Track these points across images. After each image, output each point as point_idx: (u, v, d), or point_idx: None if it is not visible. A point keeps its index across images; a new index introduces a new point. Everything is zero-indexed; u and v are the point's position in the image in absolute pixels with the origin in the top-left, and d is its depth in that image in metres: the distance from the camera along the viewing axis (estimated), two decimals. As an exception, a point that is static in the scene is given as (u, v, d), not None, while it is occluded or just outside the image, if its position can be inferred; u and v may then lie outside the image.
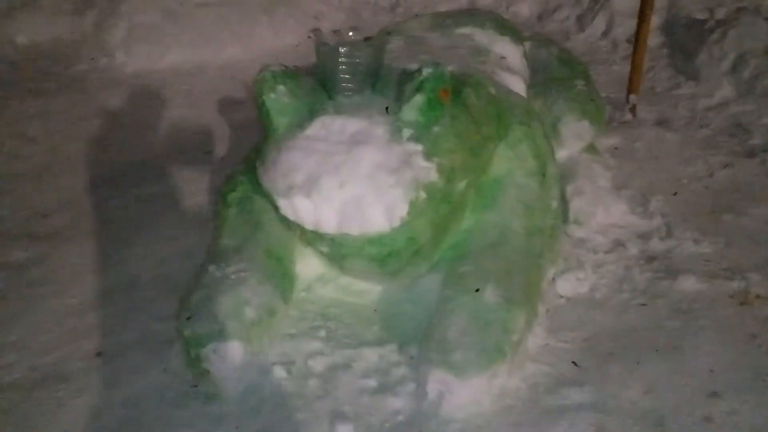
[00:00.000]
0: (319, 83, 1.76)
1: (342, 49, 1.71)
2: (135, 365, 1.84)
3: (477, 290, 1.72)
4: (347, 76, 1.72)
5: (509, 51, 2.46)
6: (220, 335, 1.67)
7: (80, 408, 1.71)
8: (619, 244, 2.30)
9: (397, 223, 1.57)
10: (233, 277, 1.79)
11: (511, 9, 5.07)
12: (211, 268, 1.83)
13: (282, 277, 1.88)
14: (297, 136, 1.66)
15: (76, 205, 2.80)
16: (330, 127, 1.66)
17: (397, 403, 1.70)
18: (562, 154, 2.55)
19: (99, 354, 1.89)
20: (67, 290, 2.21)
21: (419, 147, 1.62)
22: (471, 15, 2.60)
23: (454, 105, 1.73)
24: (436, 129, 1.67)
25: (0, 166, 3.24)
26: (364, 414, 1.66)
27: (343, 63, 1.71)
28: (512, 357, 1.67)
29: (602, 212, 2.41)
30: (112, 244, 2.47)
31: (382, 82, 1.80)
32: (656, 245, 2.30)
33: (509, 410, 1.65)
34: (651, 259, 2.24)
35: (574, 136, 2.49)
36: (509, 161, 1.98)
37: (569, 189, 2.40)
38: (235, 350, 1.67)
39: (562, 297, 2.08)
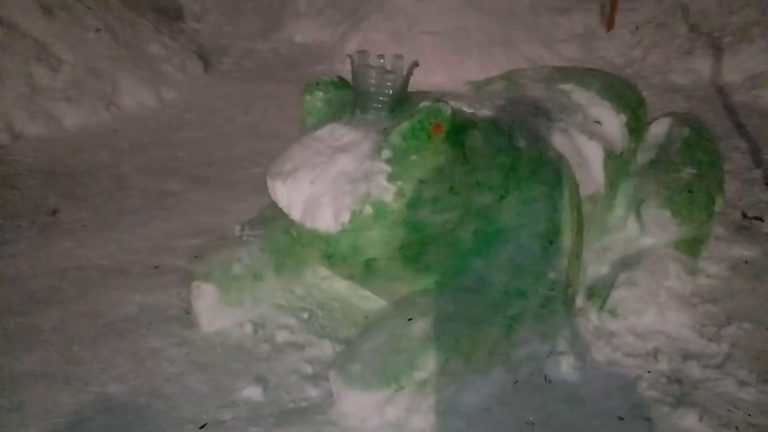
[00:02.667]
0: (352, 98, 1.97)
1: (371, 72, 1.90)
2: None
3: (410, 319, 1.76)
4: (370, 97, 1.90)
5: (606, 116, 2.31)
6: (204, 277, 2.02)
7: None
8: (650, 354, 2.00)
9: (338, 227, 1.71)
10: (244, 238, 2.13)
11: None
12: (238, 227, 2.20)
13: (286, 254, 2.14)
14: (306, 135, 1.92)
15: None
16: (333, 133, 1.88)
17: (314, 392, 1.84)
18: (642, 242, 2.30)
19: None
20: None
21: (387, 168, 1.73)
22: (588, 74, 2.48)
23: (446, 142, 1.78)
24: (413, 157, 1.75)
25: (217, 127, 4.15)
26: (280, 389, 1.85)
27: (369, 84, 1.91)
28: (414, 394, 1.67)
29: (653, 314, 2.11)
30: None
31: (402, 108, 1.93)
32: (693, 370, 1.94)
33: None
34: (675, 381, 1.91)
35: (654, 225, 2.22)
36: (519, 217, 1.93)
37: (621, 276, 2.16)
38: (209, 292, 2.01)
39: (546, 377, 1.93)
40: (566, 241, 1.92)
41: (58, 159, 3.59)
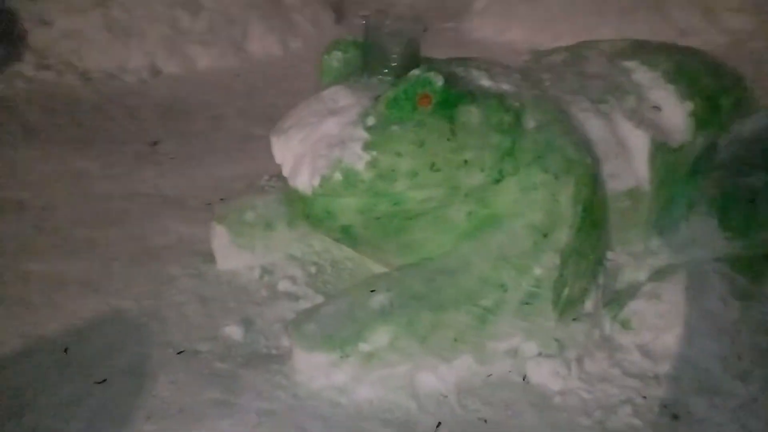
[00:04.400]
0: (362, 60, 1.93)
1: (380, 35, 1.84)
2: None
3: (373, 290, 1.74)
4: (377, 60, 1.85)
5: (667, 102, 1.98)
6: (219, 219, 2.18)
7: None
8: (655, 378, 1.77)
9: (309, 190, 1.72)
10: (266, 188, 2.24)
11: None
12: (266, 177, 2.31)
13: (303, 209, 2.21)
14: (314, 95, 1.94)
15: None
16: (335, 95, 1.86)
17: (287, 342, 1.92)
18: (693, 252, 1.99)
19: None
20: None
21: (366, 136, 1.69)
22: (665, 51, 2.13)
23: (433, 115, 1.69)
24: (394, 128, 1.69)
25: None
26: (260, 333, 1.96)
27: (376, 47, 1.85)
28: (360, 364, 1.67)
29: (676, 335, 1.84)
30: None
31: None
32: (699, 407, 1.69)
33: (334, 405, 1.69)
34: (670, 415, 1.67)
35: (699, 234, 1.89)
36: (516, 204, 1.78)
37: (646, 286, 1.90)
38: (222, 234, 2.17)
39: (524, 378, 1.80)
40: (563, 237, 1.74)
41: (181, 96, 4.01)
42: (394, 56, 1.86)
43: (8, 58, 4.35)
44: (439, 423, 1.67)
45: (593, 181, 1.80)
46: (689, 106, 2.03)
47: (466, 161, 1.74)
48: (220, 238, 2.18)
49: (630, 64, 2.10)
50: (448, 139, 1.72)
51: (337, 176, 1.69)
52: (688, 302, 1.86)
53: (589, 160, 1.79)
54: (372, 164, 1.69)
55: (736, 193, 1.90)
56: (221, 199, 2.37)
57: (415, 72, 1.70)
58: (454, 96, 1.73)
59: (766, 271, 1.94)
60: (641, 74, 2.07)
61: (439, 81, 1.69)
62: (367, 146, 1.70)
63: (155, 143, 3.30)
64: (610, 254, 2.06)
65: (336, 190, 1.71)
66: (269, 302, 2.09)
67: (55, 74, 4.17)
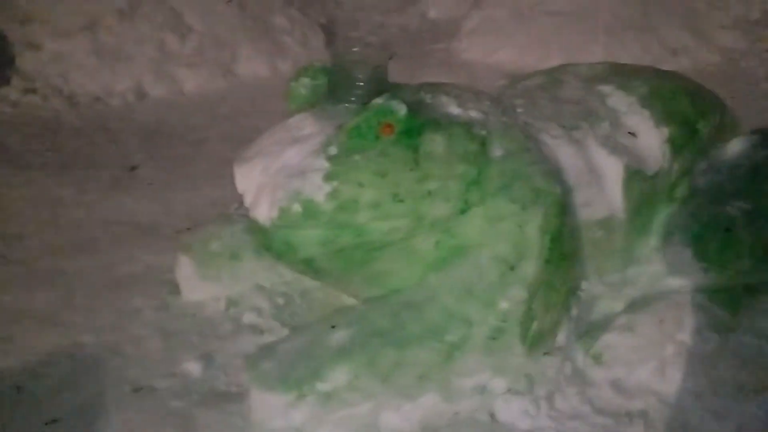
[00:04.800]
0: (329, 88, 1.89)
1: (346, 65, 1.80)
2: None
3: (333, 326, 1.67)
4: (343, 88, 1.81)
5: (642, 128, 1.92)
6: (184, 249, 2.12)
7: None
8: (628, 416, 1.69)
9: (268, 221, 1.66)
10: (235, 217, 2.19)
11: None
12: (235, 205, 2.26)
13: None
14: (280, 122, 1.89)
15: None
16: (300, 123, 1.82)
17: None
18: (670, 282, 1.92)
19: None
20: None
21: (327, 166, 1.64)
22: (641, 75, 2.08)
23: (397, 144, 1.63)
24: (356, 158, 1.63)
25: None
26: (221, 369, 1.89)
27: (344, 76, 1.81)
28: (319, 404, 1.60)
29: (650, 370, 1.77)
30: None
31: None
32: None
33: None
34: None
35: (671, 267, 1.82)
36: (483, 235, 1.71)
37: (619, 318, 1.82)
38: (185, 264, 2.12)
39: (492, 415, 1.72)
40: (530, 269, 1.67)
41: (165, 120, 3.98)
42: (360, 83, 1.81)
43: (-4, 82, 4.36)
44: (401, 466, 1.60)
45: (562, 211, 1.73)
46: (665, 131, 1.97)
47: (430, 191, 1.68)
48: (184, 268, 2.13)
49: (606, 88, 2.05)
50: (412, 169, 1.66)
51: (296, 208, 1.64)
52: (663, 335, 1.78)
53: (557, 189, 1.73)
54: (333, 195, 1.63)
55: (712, 222, 1.83)
56: (188, 228, 2.32)
57: (378, 101, 1.65)
58: (418, 125, 1.68)
59: (744, 302, 1.87)
60: (617, 99, 2.01)
61: (401, 110, 1.64)
62: (328, 177, 1.64)
63: (133, 168, 3.26)
64: (584, 284, 1.98)
65: (295, 222, 1.65)
66: (232, 336, 2.02)
67: (40, 98, 4.14)
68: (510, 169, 1.72)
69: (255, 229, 1.79)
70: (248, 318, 2.09)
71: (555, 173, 1.76)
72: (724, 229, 1.81)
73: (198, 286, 2.14)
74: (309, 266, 1.78)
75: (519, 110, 1.97)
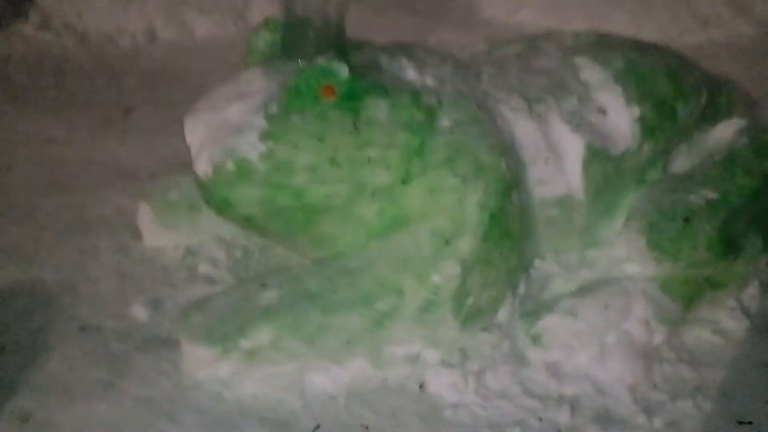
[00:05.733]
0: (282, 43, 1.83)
1: (299, 18, 1.74)
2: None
3: (263, 285, 1.68)
4: (296, 43, 1.75)
5: (612, 106, 1.82)
6: (144, 196, 2.15)
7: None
8: (558, 400, 1.66)
9: (203, 177, 1.65)
10: (197, 169, 2.20)
11: None
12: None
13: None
14: (231, 76, 1.86)
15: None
16: (250, 78, 1.79)
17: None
18: (627, 268, 1.85)
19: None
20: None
21: (264, 125, 1.61)
22: (620, 48, 1.94)
23: (337, 107, 1.59)
24: (294, 118, 1.60)
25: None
26: (166, 316, 1.91)
27: (296, 30, 1.75)
28: (243, 360, 1.62)
29: (590, 356, 1.72)
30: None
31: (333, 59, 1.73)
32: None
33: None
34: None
35: (629, 252, 1.74)
36: (424, 207, 1.68)
37: (564, 301, 1.77)
38: (145, 212, 2.15)
39: (421, 385, 1.72)
40: (465, 245, 1.63)
41: (171, 63, 3.98)
42: (311, 39, 1.76)
43: (14, 15, 4.41)
44: (318, 425, 1.62)
45: (506, 187, 1.67)
46: (636, 110, 1.86)
47: (369, 158, 1.64)
48: (144, 216, 2.16)
49: (581, 60, 1.93)
50: (351, 134, 1.62)
51: (230, 165, 1.62)
52: (607, 322, 1.73)
53: (502, 164, 1.66)
54: (267, 155, 1.62)
55: (670, 210, 1.73)
56: (154, 175, 2.34)
57: (320, 61, 1.60)
58: (361, 88, 1.62)
59: (699, 295, 1.79)
60: (590, 73, 1.90)
61: (343, 71, 1.59)
62: (264, 136, 1.62)
63: (128, 110, 3.29)
64: (538, 262, 1.94)
65: (229, 180, 1.64)
66: (185, 285, 2.05)
67: (53, 35, 4.19)
68: (455, 141, 1.66)
69: (197, 183, 1.79)
70: (203, 268, 2.12)
71: (503, 148, 1.69)
72: (683, 219, 1.71)
73: (158, 234, 2.17)
74: (251, 224, 1.78)
75: (484, 79, 1.88)
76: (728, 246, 1.75)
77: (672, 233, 1.72)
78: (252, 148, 1.61)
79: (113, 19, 4.36)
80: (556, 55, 2.01)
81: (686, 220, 1.71)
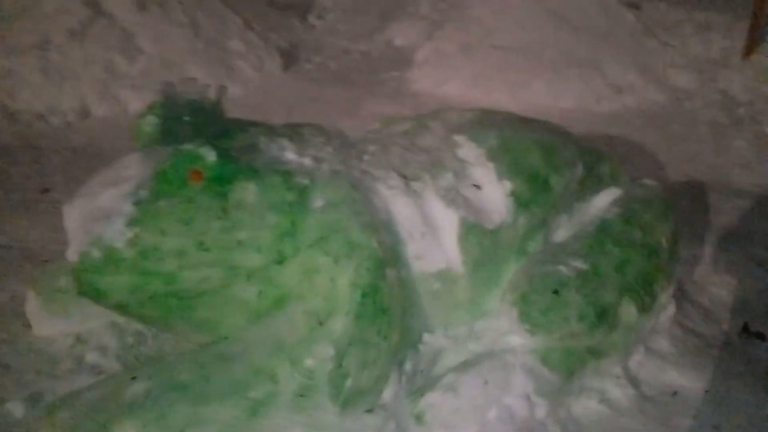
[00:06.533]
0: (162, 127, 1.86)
1: (176, 101, 1.78)
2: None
3: (133, 378, 1.64)
4: (174, 127, 1.78)
5: (487, 181, 1.87)
6: (31, 283, 2.10)
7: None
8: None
9: (73, 265, 1.63)
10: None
11: None
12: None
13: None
14: (116, 161, 1.87)
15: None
16: (128, 163, 1.80)
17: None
18: (510, 339, 1.85)
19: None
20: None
21: (132, 211, 1.61)
22: (495, 124, 2.03)
23: (204, 191, 1.60)
24: (161, 204, 1.61)
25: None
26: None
27: (174, 114, 1.79)
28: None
29: (472, 434, 1.69)
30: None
31: (212, 143, 1.75)
32: None
33: None
34: None
35: (507, 327, 1.76)
36: (300, 288, 1.67)
37: (446, 377, 1.76)
38: (31, 300, 2.09)
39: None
40: (338, 325, 1.62)
41: (100, 140, 3.99)
42: (189, 123, 1.79)
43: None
44: None
45: (378, 264, 1.68)
46: (508, 185, 1.92)
47: (239, 241, 1.64)
48: (31, 304, 2.10)
49: (459, 138, 2.01)
50: (219, 218, 1.63)
51: (96, 253, 1.61)
52: (487, 397, 1.71)
53: (374, 242, 1.68)
54: (134, 242, 1.61)
55: (540, 282, 1.76)
56: (45, 261, 2.30)
57: (188, 146, 1.63)
58: (229, 172, 1.65)
59: (581, 366, 1.79)
60: (467, 150, 1.97)
61: (210, 156, 1.62)
62: (132, 222, 1.62)
63: (45, 190, 3.26)
64: (427, 337, 1.93)
65: (96, 268, 1.62)
66: (69, 376, 1.98)
67: (-18, 115, 4.20)
68: (328, 220, 1.69)
69: (71, 271, 1.76)
70: (91, 357, 2.05)
71: (376, 225, 1.71)
72: (552, 291, 1.74)
73: (46, 322, 2.10)
74: (125, 312, 1.75)
75: (366, 158, 1.93)
76: (601, 316, 1.78)
77: (542, 305, 1.74)
78: (119, 234, 1.60)
79: (45, 97, 4.38)
80: (439, 132, 2.08)
81: (555, 292, 1.74)
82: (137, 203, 1.64)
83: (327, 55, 5.89)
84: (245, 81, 4.98)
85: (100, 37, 4.67)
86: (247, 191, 1.65)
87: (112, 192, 1.71)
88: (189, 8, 5.11)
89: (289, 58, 5.60)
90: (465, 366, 1.79)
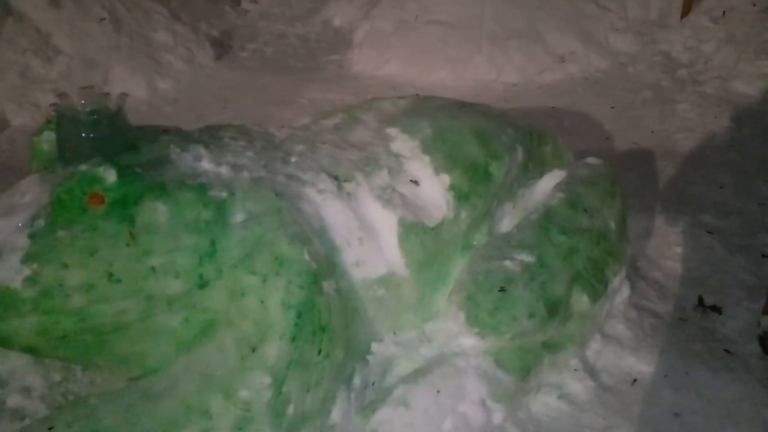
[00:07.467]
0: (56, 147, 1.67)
1: (71, 113, 1.59)
2: None
3: (50, 427, 1.47)
4: (71, 146, 1.60)
5: (423, 176, 1.75)
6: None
7: None
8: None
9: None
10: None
11: None
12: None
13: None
14: (10, 187, 1.67)
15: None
16: (26, 188, 1.61)
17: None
18: (462, 341, 1.75)
19: None
20: None
21: (27, 244, 1.43)
22: (430, 113, 1.90)
23: (107, 216, 1.43)
24: (61, 233, 1.43)
25: (188, 121, 4.03)
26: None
27: (70, 128, 1.60)
28: None
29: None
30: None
31: (117, 158, 1.57)
32: None
33: None
34: None
35: (457, 328, 1.65)
36: (228, 313, 1.52)
37: (397, 389, 1.65)
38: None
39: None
40: (273, 350, 1.48)
41: (17, 152, 3.71)
42: (87, 139, 1.60)
43: None
44: None
45: (312, 280, 1.54)
46: (446, 178, 1.80)
47: (153, 268, 1.48)
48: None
49: (392, 131, 1.87)
50: (128, 244, 1.46)
51: (-4, 296, 1.42)
52: (440, 408, 1.61)
53: (305, 256, 1.54)
54: (32, 280, 1.42)
55: (485, 281, 1.66)
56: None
57: (82, 167, 1.44)
58: (134, 192, 1.47)
59: (537, 362, 1.71)
60: (401, 143, 1.84)
61: (110, 176, 1.44)
62: (28, 258, 1.43)
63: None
64: (375, 346, 1.81)
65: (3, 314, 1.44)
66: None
67: None
68: (251, 236, 1.53)
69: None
70: (13, 400, 1.85)
71: (306, 236, 1.57)
72: (499, 289, 1.64)
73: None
74: (38, 354, 1.57)
75: (293, 159, 1.78)
76: (551, 310, 1.69)
77: (489, 306, 1.63)
78: (14, 273, 1.42)
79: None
80: (372, 125, 1.94)
81: (502, 289, 1.64)
82: (33, 235, 1.45)
83: (262, 41, 5.63)
84: (176, 75, 4.71)
85: (11, 39, 4.33)
86: (156, 212, 1.47)
87: (5, 223, 1.52)
88: (108, 1, 4.78)
89: (222, 47, 5.34)
90: (416, 375, 1.67)
